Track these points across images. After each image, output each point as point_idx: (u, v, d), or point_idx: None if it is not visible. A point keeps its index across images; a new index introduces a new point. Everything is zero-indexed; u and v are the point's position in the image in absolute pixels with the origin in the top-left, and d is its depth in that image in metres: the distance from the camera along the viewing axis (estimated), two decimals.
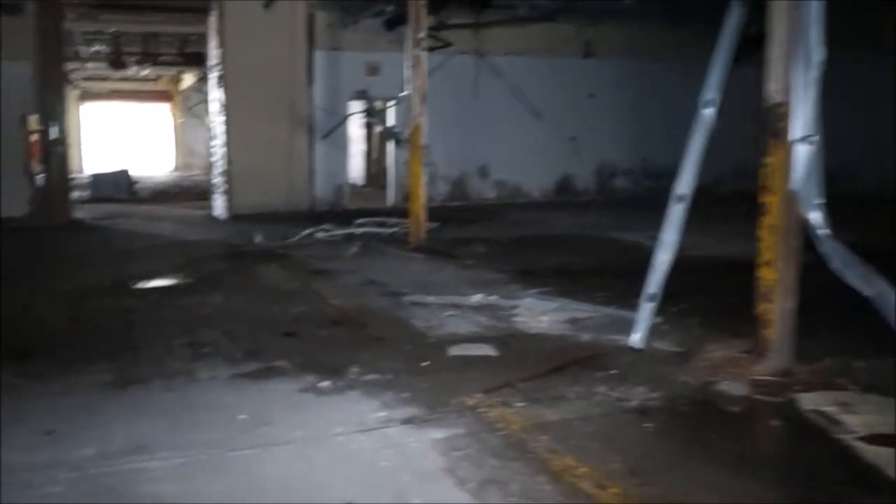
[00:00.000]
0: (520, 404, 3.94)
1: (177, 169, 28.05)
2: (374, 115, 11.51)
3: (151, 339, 5.06)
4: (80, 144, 27.22)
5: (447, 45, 13.33)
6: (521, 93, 13.69)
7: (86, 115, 27.56)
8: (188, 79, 25.27)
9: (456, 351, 4.83)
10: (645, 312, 4.61)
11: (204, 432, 3.61)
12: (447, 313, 5.77)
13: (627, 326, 5.00)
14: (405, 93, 9.34)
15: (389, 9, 12.68)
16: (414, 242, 8.92)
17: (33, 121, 11.58)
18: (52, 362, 4.56)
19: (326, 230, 9.74)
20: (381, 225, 10.14)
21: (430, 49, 13.43)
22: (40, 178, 11.55)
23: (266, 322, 5.55)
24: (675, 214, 4.51)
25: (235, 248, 9.03)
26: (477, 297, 6.16)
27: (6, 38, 11.48)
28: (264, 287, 6.80)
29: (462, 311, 5.85)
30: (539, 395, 4.06)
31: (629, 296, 5.80)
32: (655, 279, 4.58)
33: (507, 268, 7.60)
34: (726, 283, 6.29)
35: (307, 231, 9.62)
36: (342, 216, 11.84)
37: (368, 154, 19.53)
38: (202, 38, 19.50)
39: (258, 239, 9.39)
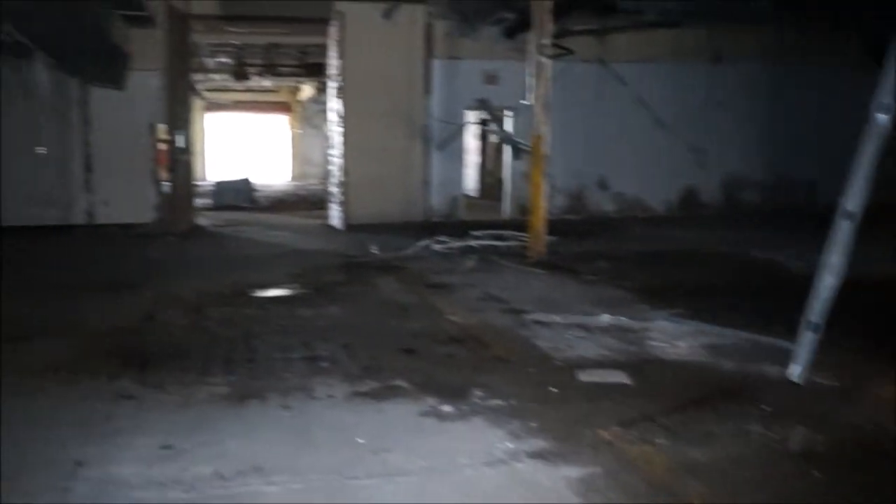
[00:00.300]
0: (662, 441, 3.54)
1: (294, 178, 28.70)
2: (495, 125, 11.16)
3: (269, 352, 4.93)
4: (203, 153, 28.31)
5: (569, 52, 12.94)
6: (644, 101, 13.15)
7: (210, 124, 28.60)
8: (307, 90, 25.82)
9: (586, 377, 4.47)
10: (806, 343, 4.11)
11: (322, 455, 3.40)
12: (573, 334, 5.41)
13: (775, 355, 4.53)
14: (526, 102, 9.02)
15: (510, 16, 12.44)
16: (533, 257, 8.59)
17: (161, 130, 11.93)
18: (171, 372, 4.48)
19: (442, 242, 9.54)
20: (498, 238, 9.85)
21: (552, 57, 13.14)
22: (166, 186, 11.87)
23: (383, 337, 5.34)
24: (842, 233, 4.00)
25: (351, 258, 8.95)
26: (605, 318, 5.77)
27: (137, 50, 11.92)
28: (381, 300, 6.62)
29: (589, 331, 5.48)
30: (683, 432, 3.66)
31: (772, 320, 5.32)
32: (819, 306, 4.06)
33: (633, 285, 7.16)
34: (881, 307, 5.68)
35: (423, 243, 9.44)
36: (457, 228, 11.64)
37: (483, 165, 19.33)
38: (321, 49, 19.89)
39: (374, 250, 9.29)
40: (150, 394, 4.10)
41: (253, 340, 5.21)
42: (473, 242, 9.52)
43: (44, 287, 7.14)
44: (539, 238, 8.66)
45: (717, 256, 9.01)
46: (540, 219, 8.67)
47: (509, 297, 6.67)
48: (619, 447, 3.48)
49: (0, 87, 10.85)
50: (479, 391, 4.17)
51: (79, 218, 12.24)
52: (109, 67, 11.05)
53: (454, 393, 4.15)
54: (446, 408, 3.94)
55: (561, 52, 13.04)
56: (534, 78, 8.88)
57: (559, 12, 11.22)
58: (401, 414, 3.89)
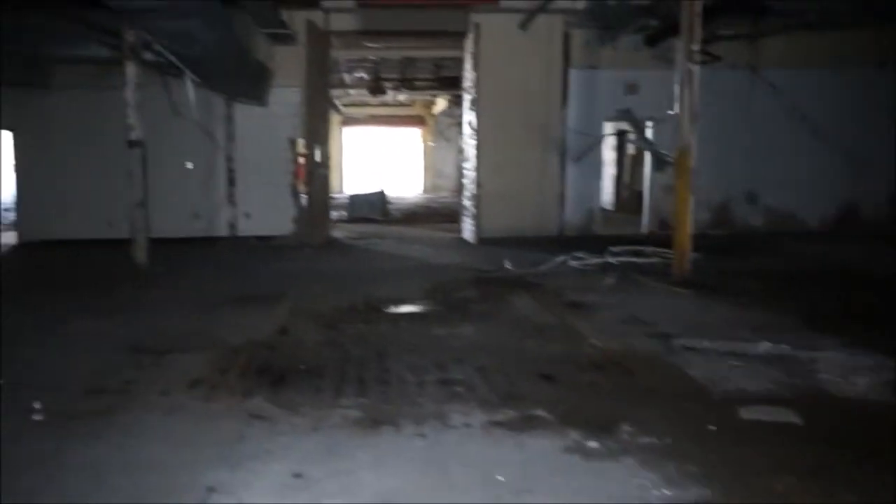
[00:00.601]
0: (850, 499, 3.07)
1: (426, 191, 28.96)
2: (638, 136, 10.67)
3: (402, 373, 4.75)
4: (340, 167, 29.04)
5: (716, 58, 12.27)
6: (799, 110, 12.28)
7: (346, 138, 29.31)
8: (440, 103, 25.98)
9: (749, 414, 4.01)
10: None
11: (459, 494, 3.15)
12: (729, 363, 4.93)
13: None
14: (672, 111, 8.53)
15: (653, 23, 11.92)
16: (677, 275, 8.07)
17: (300, 144, 12.17)
18: (304, 391, 4.37)
19: (579, 258, 9.16)
20: (638, 254, 9.37)
21: (700, 63, 12.49)
22: (304, 199, 12.08)
23: (520, 360, 5.05)
24: None
25: (484, 273, 8.72)
26: (764, 345, 5.24)
27: (279, 67, 12.21)
28: (516, 319, 6.32)
29: (747, 361, 4.97)
30: (873, 488, 3.16)
31: None
32: None
33: (791, 308, 6.55)
34: None
35: (559, 259, 9.10)
36: (593, 243, 11.19)
37: (619, 177, 18.75)
38: (456, 62, 19.91)
39: (507, 265, 9.02)
40: (283, 415, 3.98)
41: (386, 360, 5.04)
42: (612, 259, 9.08)
43: (186, 300, 7.30)
44: (684, 255, 8.13)
45: (889, 279, 8.17)
46: (685, 235, 8.14)
47: (654, 319, 6.22)
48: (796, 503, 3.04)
49: (150, 105, 11.38)
50: (627, 426, 3.81)
51: (222, 230, 12.67)
52: (253, 84, 11.37)
53: (600, 427, 3.80)
54: (592, 444, 3.61)
55: (709, 58, 12.40)
56: (680, 86, 8.35)
57: (707, 16, 10.66)
58: (543, 449, 3.59)
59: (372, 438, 3.71)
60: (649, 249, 9.54)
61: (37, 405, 4.01)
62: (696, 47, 8.32)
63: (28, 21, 9.64)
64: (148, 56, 8.48)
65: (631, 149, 18.78)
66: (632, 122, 10.34)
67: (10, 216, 13.30)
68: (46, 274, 9.51)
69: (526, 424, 3.87)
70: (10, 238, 12.64)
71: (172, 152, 12.26)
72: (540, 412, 4.03)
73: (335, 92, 22.39)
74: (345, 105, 26.85)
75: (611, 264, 8.89)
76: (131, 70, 7.33)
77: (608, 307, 6.74)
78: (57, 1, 8.75)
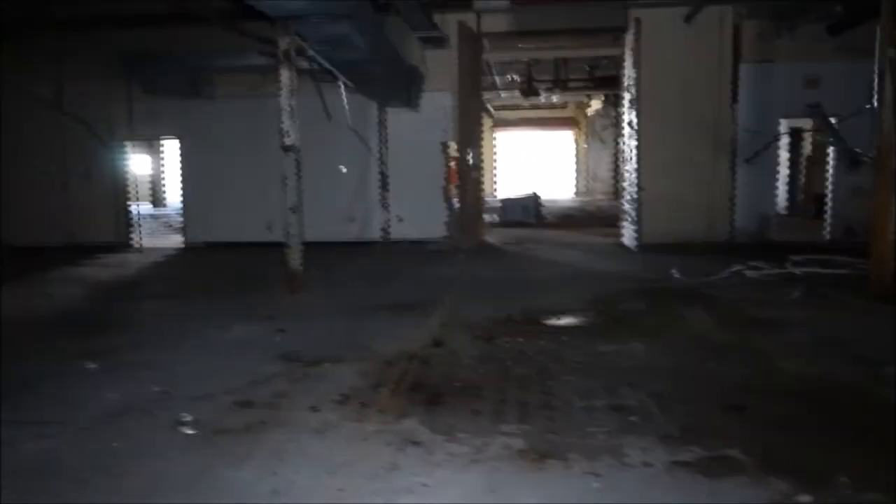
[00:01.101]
0: None
1: (578, 194, 28.24)
2: (832, 133, 9.55)
3: (567, 396, 4.28)
4: (492, 170, 28.82)
5: None
6: None
7: (498, 142, 29.06)
8: (595, 104, 25.21)
9: None
10: None
11: None
12: None
13: None
14: (870, 105, 7.56)
15: (837, 9, 10.78)
16: (876, 289, 7.11)
17: (453, 147, 11.93)
18: (461, 414, 3.99)
19: (756, 268, 8.33)
20: (826, 264, 8.40)
21: None
22: (456, 203, 11.84)
23: (701, 386, 4.45)
24: None
25: (650, 283, 8.09)
26: None
27: (431, 70, 12.03)
28: (691, 336, 5.69)
29: None
30: None
31: None
32: None
33: None
34: None
35: (733, 268, 8.30)
36: (768, 250, 10.26)
37: (793, 179, 17.33)
38: (612, 62, 19.20)
39: (676, 274, 8.34)
40: (439, 442, 3.62)
41: (548, 380, 4.59)
42: (795, 269, 8.18)
43: (339, 306, 7.16)
44: (884, 266, 7.15)
45: None
46: (886, 242, 7.15)
47: (853, 341, 5.43)
48: None
49: (306, 111, 11.51)
50: (843, 477, 3.17)
51: (375, 234, 12.66)
52: (406, 89, 11.24)
53: (810, 476, 3.18)
54: (804, 499, 3.00)
55: None
56: (880, 76, 7.38)
57: None
58: (742, 501, 3.02)
59: (538, 475, 3.27)
60: (839, 259, 8.55)
61: (186, 417, 3.86)
62: None
63: (189, 34, 9.98)
64: (303, 63, 8.44)
65: (808, 149, 17.37)
66: (822, 119, 9.26)
67: (178, 220, 13.87)
68: (206, 277, 9.75)
69: (718, 467, 3.31)
70: (177, 241, 13.21)
71: (327, 157, 12.37)
72: (733, 452, 3.45)
73: (486, 95, 22.20)
74: (496, 108, 26.60)
75: (794, 275, 8.00)
76: (286, 76, 7.27)
77: (797, 325, 5.97)
78: (215, 13, 8.97)
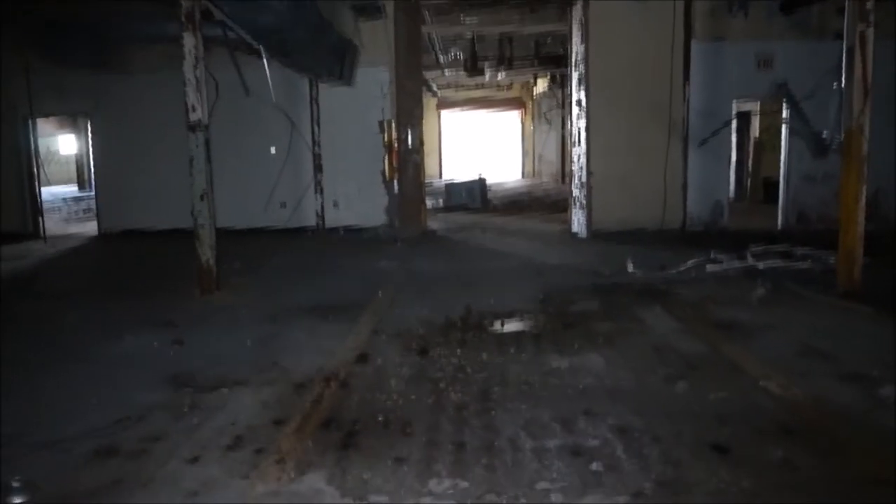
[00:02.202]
0: None
1: (525, 176, 27.64)
2: (798, 115, 8.91)
3: (514, 432, 3.51)
4: (437, 152, 28.01)
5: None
6: None
7: (442, 122, 28.24)
8: (541, 84, 24.55)
9: None
10: None
11: None
12: None
13: None
14: (837, 85, 6.96)
15: None
16: (845, 285, 6.54)
17: (391, 128, 11.10)
18: (380, 463, 3.18)
19: (716, 261, 7.71)
20: (787, 256, 7.82)
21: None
22: (395, 188, 11.03)
23: (674, 415, 3.73)
24: None
25: (604, 277, 7.41)
26: None
27: (365, 43, 11.15)
28: (654, 346, 4.97)
29: None
30: None
31: None
32: None
33: None
34: None
35: (691, 261, 7.66)
36: (724, 240, 9.72)
37: (740, 162, 16.91)
38: (557, 39, 18.53)
39: (630, 268, 7.67)
40: (351, 484, 2.83)
41: (492, 409, 3.83)
42: (757, 263, 7.57)
43: (256, 308, 6.29)
44: (854, 261, 6.58)
45: None
46: (855, 237, 6.58)
47: (835, 350, 4.78)
48: None
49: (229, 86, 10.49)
50: None
51: (308, 220, 11.76)
52: (338, 62, 10.32)
53: None
54: None
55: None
56: (848, 54, 6.77)
57: None
58: None
59: None
60: (799, 251, 7.99)
61: (16, 482, 2.96)
62: (869, 4, 6.73)
63: None
64: (217, 31, 7.48)
65: (756, 131, 16.96)
66: (788, 100, 8.58)
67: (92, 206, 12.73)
68: (112, 272, 8.75)
69: None
70: (90, 228, 12.10)
71: (255, 138, 11.41)
72: None
73: (430, 74, 21.31)
74: (441, 87, 25.75)
75: (756, 269, 7.39)
76: (189, 42, 6.31)
77: (769, 329, 5.32)
78: None
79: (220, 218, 11.57)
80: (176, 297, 6.77)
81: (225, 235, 11.13)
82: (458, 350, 4.82)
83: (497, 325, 5.53)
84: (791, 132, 10.65)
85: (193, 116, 6.47)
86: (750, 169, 16.75)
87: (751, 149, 16.80)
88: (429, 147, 27.74)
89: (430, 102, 27.43)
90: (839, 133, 7.02)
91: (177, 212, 11.46)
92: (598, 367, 4.48)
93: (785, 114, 9.84)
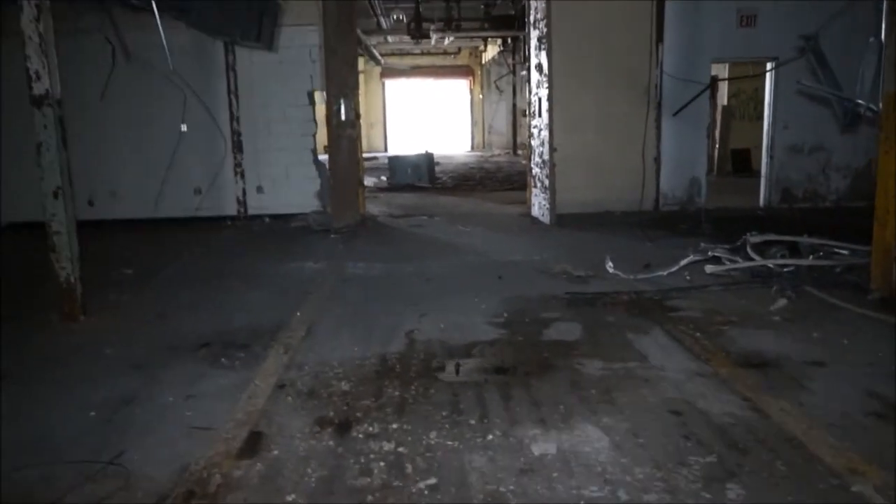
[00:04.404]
0: None
1: (474, 148, 26.21)
2: (828, 78, 7.37)
3: None
4: (382, 123, 26.34)
5: None
6: None
7: (387, 92, 26.55)
8: (491, 50, 23.01)
9: None
10: None
11: None
12: None
13: None
14: (874, 39, 5.60)
15: None
16: (880, 290, 5.25)
17: (320, 98, 9.50)
18: None
19: (714, 258, 6.35)
20: (794, 250, 6.50)
21: None
22: (327, 168, 9.45)
23: None
24: None
25: (579, 281, 6.01)
26: None
27: (290, 1, 9.49)
28: (672, 409, 3.51)
29: None
30: None
31: None
32: None
33: None
34: None
35: (684, 261, 6.29)
36: (705, 222, 8.44)
37: (710, 133, 15.68)
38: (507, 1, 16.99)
39: (610, 267, 6.29)
40: None
41: None
42: (760, 258, 6.22)
43: (127, 344, 4.71)
44: (890, 261, 5.28)
45: None
46: (893, 229, 5.27)
47: None
48: None
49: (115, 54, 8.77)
50: None
51: (228, 208, 10.13)
52: (255, 21, 8.63)
53: None
54: None
55: None
56: (888, 9, 5.40)
57: None
58: None
59: None
60: (805, 242, 6.68)
61: None
62: None
63: None
64: None
65: (724, 99, 15.73)
66: (817, 58, 7.05)
67: None
68: None
69: None
70: None
71: (164, 112, 9.68)
72: None
73: (372, 39, 19.59)
74: (384, 55, 24.03)
75: (765, 269, 6.04)
76: None
77: (816, 367, 3.96)
78: None
79: (123, 207, 10.08)
80: (31, 324, 5.16)
81: (126, 229, 9.59)
82: (395, 424, 3.34)
83: (450, 369, 4.07)
84: (809, 97, 9.26)
85: (38, 88, 4.81)
86: (717, 139, 15.54)
87: (718, 117, 15.59)
88: (373, 118, 26.17)
89: (373, 71, 25.71)
90: (871, 101, 5.66)
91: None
92: (602, 454, 3.02)
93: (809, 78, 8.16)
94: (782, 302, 5.12)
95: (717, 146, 15.44)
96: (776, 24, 9.81)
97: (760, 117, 13.89)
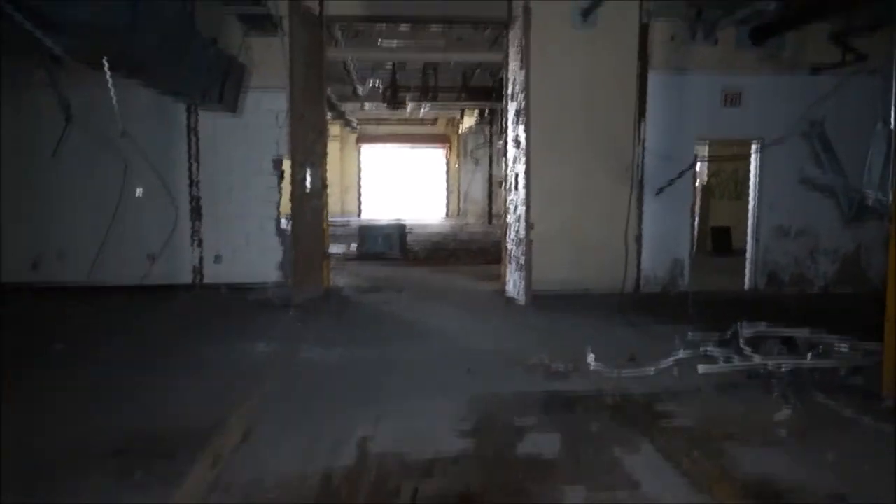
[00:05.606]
0: None
1: (449, 215, 25.84)
2: (833, 164, 6.86)
3: None
4: (357, 188, 25.97)
5: (858, 58, 9.02)
6: None
7: (362, 158, 26.25)
8: (468, 120, 22.81)
9: None
10: None
11: None
12: None
13: None
14: (884, 127, 5.17)
15: (771, 7, 8.58)
16: (893, 397, 4.71)
17: (287, 165, 8.99)
18: None
19: (706, 354, 5.80)
20: (790, 345, 5.98)
21: (824, 67, 9.26)
22: (289, 238, 8.86)
23: None
24: None
25: (557, 378, 5.41)
26: None
27: (258, 62, 9.07)
28: None
29: None
30: None
31: None
32: None
33: None
34: None
35: (672, 357, 5.72)
36: (690, 308, 7.93)
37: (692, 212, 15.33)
38: (486, 70, 16.75)
39: (591, 361, 5.70)
40: None
41: None
42: (762, 358, 5.66)
43: (22, 453, 4.00)
44: None
45: None
46: None
47: None
48: None
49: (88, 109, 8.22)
50: None
51: (184, 276, 9.47)
52: (217, 84, 8.15)
53: None
54: None
55: (848, 58, 9.14)
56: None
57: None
58: None
59: None
60: (801, 334, 6.16)
61: None
62: None
63: None
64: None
65: (704, 177, 15.47)
66: (821, 144, 6.59)
67: None
68: None
69: None
70: None
71: (116, 174, 9.07)
72: None
73: (348, 106, 19.26)
74: (361, 121, 23.73)
75: (763, 368, 5.48)
76: None
77: (835, 500, 3.38)
78: None
79: (70, 272, 9.36)
80: None
81: (71, 295, 8.86)
82: None
83: (406, 493, 3.42)
84: (808, 183, 8.83)
85: None
86: (697, 216, 15.21)
87: (698, 195, 15.28)
88: (348, 182, 25.77)
89: (349, 137, 25.44)
90: (880, 190, 5.20)
91: (14, 263, 9.19)
92: None
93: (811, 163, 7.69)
94: (786, 412, 4.55)
95: (695, 224, 15.09)
96: (761, 103, 9.54)
97: (741, 196, 13.66)
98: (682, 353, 5.70)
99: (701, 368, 5.44)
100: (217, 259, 9.48)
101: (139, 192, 9.21)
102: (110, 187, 9.11)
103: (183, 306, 8.51)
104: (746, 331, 6.23)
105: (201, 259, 9.49)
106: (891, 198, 4.75)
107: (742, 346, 5.86)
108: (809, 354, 5.69)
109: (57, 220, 9.34)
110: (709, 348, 5.81)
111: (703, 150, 14.89)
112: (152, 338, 6.85)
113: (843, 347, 5.93)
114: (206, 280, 9.49)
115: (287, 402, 4.84)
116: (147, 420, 4.42)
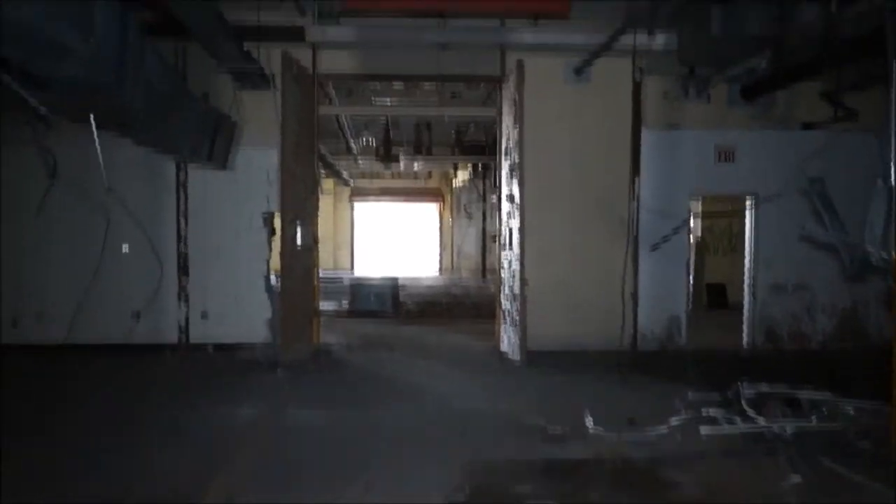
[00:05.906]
0: None
1: (443, 271, 25.67)
2: (834, 222, 6.70)
3: None
4: (350, 244, 25.89)
5: (851, 115, 8.99)
6: None
7: (355, 213, 26.22)
8: (461, 175, 22.85)
9: None
10: None
11: None
12: None
13: None
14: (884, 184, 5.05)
15: (762, 66, 8.57)
16: None
17: (277, 222, 8.85)
18: None
19: (710, 418, 5.60)
20: (794, 406, 5.79)
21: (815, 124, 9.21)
22: (278, 296, 8.68)
23: None
24: None
25: (555, 443, 5.19)
26: None
27: (249, 119, 9.01)
28: None
29: None
30: None
31: None
32: None
33: None
34: None
35: (675, 420, 5.52)
36: (689, 366, 7.74)
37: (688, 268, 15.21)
38: (480, 126, 16.82)
39: (590, 423, 5.49)
40: None
41: None
42: (767, 422, 5.46)
43: None
44: None
45: None
46: None
47: None
48: None
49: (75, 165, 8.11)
50: None
51: (169, 335, 9.23)
52: (207, 141, 8.08)
53: None
54: None
55: (842, 113, 9.11)
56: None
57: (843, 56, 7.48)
58: None
59: None
60: (803, 395, 5.98)
61: None
62: None
63: None
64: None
65: (698, 232, 15.40)
66: (822, 202, 6.43)
67: None
68: None
69: None
70: None
71: (102, 231, 8.87)
72: None
73: (342, 162, 19.28)
74: (354, 177, 23.75)
75: (768, 431, 5.28)
76: None
77: None
78: None
79: (51, 331, 9.09)
80: None
81: (52, 355, 8.60)
82: None
83: None
84: (809, 240, 8.70)
85: None
86: (692, 272, 15.10)
87: (692, 251, 15.21)
88: (341, 239, 25.68)
89: (342, 192, 25.44)
90: (882, 248, 5.07)
91: None
92: None
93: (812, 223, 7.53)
94: (796, 478, 4.34)
95: (691, 280, 14.97)
96: (754, 159, 9.50)
97: (734, 251, 13.56)
98: (683, 415, 5.49)
99: (704, 431, 5.24)
100: (204, 316, 9.26)
101: (125, 248, 9.05)
102: (96, 244, 8.92)
103: (167, 367, 8.27)
104: (748, 391, 6.04)
105: (187, 317, 9.27)
106: (894, 255, 4.62)
107: (744, 406, 5.66)
108: (814, 417, 5.50)
109: (40, 278, 9.15)
110: (710, 410, 5.60)
111: (698, 206, 14.88)
112: (133, 399, 6.60)
113: (848, 408, 5.74)
114: (193, 339, 9.26)
115: (268, 475, 4.61)
116: (115, 496, 4.18)
